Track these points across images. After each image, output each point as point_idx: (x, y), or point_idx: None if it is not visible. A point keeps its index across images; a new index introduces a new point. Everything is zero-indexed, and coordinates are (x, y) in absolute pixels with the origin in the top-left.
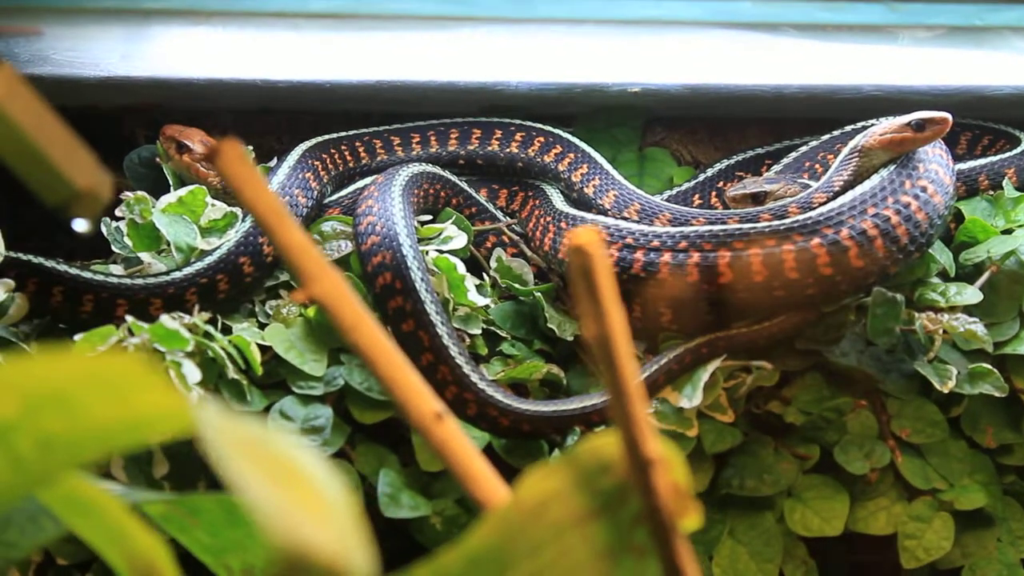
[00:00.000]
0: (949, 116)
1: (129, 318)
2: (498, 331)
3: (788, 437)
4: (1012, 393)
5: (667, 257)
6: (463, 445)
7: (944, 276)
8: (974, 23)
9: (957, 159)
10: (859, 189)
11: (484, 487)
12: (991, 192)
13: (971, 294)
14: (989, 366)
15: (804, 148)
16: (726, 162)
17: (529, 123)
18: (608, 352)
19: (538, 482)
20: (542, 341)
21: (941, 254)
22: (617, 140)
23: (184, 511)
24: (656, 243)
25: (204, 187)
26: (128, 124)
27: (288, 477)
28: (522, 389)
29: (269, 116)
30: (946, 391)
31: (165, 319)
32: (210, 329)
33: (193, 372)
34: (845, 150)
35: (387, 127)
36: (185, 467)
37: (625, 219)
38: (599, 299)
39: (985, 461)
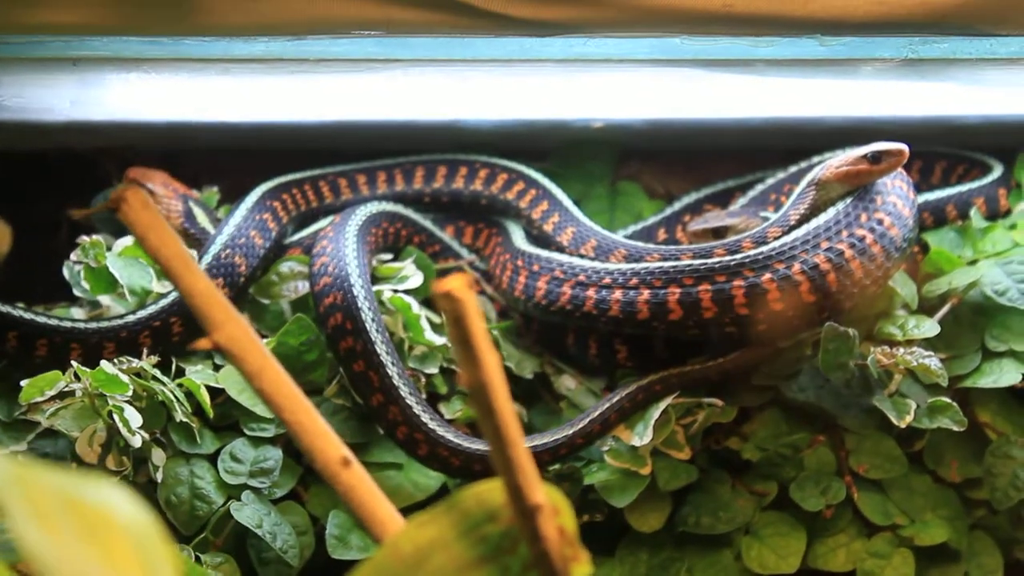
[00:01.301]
0: (905, 148)
1: (74, 363)
2: (459, 369)
3: (745, 474)
4: (974, 426)
5: (618, 294)
6: (369, 490)
7: (908, 309)
8: (909, 56)
9: (931, 188)
10: (813, 223)
11: (391, 533)
12: (960, 222)
13: (929, 327)
14: (948, 400)
15: (771, 180)
16: (695, 195)
17: (494, 160)
18: (485, 398)
19: (417, 529)
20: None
21: (904, 286)
22: (590, 174)
23: None
24: (607, 280)
25: None
26: (103, 166)
27: (95, 533)
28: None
29: (244, 156)
30: (903, 426)
31: (105, 364)
32: (157, 373)
33: (135, 416)
34: (802, 183)
35: (353, 165)
36: None
37: (581, 256)
38: (472, 345)
39: (950, 495)
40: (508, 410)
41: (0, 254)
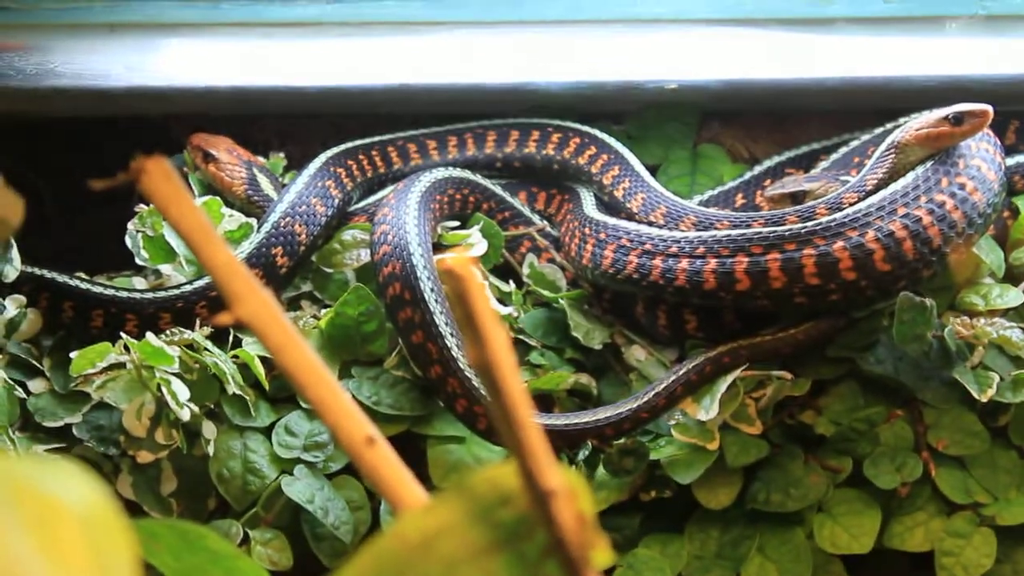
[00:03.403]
0: (989, 108)
1: (123, 336)
2: (527, 340)
3: (819, 449)
4: None
5: (685, 264)
6: (395, 470)
7: (994, 277)
8: (979, 12)
9: (1007, 150)
10: (891, 188)
11: None
12: None
13: (1014, 296)
14: None
15: (854, 143)
16: (776, 159)
17: (567, 124)
18: (493, 378)
19: (424, 514)
20: (574, 350)
21: (990, 254)
22: (670, 138)
23: (144, 535)
24: (674, 249)
25: (219, 198)
26: (175, 132)
27: (45, 525)
28: (548, 400)
29: (315, 121)
30: (984, 399)
31: (150, 336)
32: (209, 345)
33: (182, 389)
34: (881, 147)
35: (423, 131)
36: (195, 484)
37: (651, 223)
38: (478, 323)
39: None
40: (518, 390)
41: (11, 226)
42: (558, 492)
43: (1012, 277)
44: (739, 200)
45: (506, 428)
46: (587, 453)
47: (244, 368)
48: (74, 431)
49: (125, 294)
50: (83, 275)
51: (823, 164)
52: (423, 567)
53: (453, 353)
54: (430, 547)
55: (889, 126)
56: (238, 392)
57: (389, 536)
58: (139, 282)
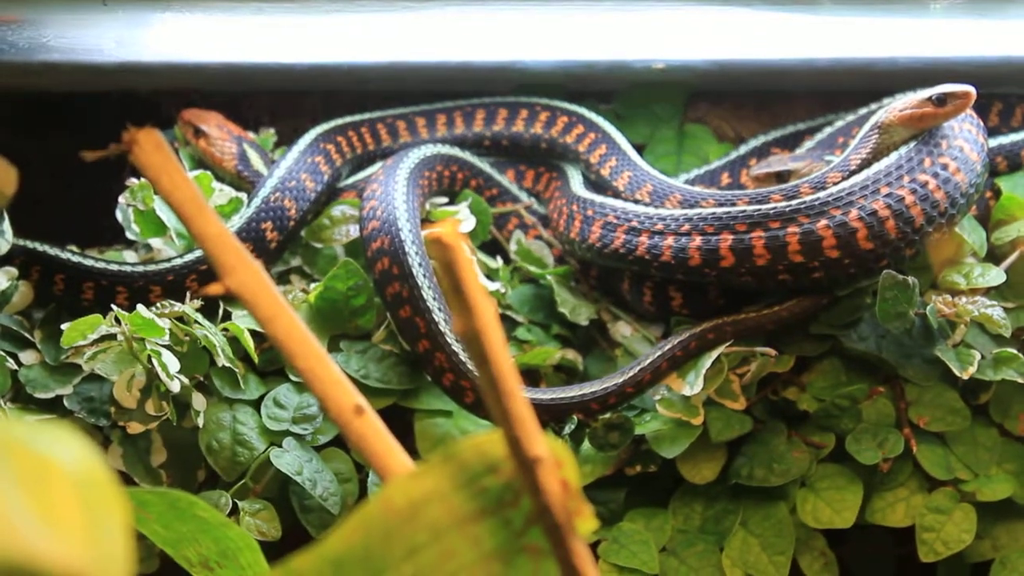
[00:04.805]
0: (972, 90)
1: (114, 307)
2: (515, 316)
3: (803, 425)
4: None
5: (670, 240)
6: (382, 441)
7: (976, 256)
8: None
9: (990, 131)
10: (874, 168)
11: None
12: None
13: (994, 275)
14: (1014, 351)
15: (839, 123)
16: (762, 138)
17: (555, 103)
18: (480, 348)
19: (411, 481)
20: (560, 326)
21: (972, 233)
22: (657, 117)
23: (135, 503)
24: (660, 226)
25: (210, 173)
26: (166, 107)
27: (38, 482)
28: (535, 376)
29: (305, 98)
30: (965, 377)
31: (141, 308)
32: (199, 318)
33: (172, 361)
34: (865, 127)
35: (412, 108)
36: (184, 455)
37: (637, 201)
38: (465, 293)
39: (1017, 449)
40: (504, 359)
41: (5, 196)
42: (543, 460)
43: (994, 256)
44: (725, 179)
45: (492, 396)
46: (573, 428)
47: (234, 341)
48: (65, 402)
49: (116, 267)
50: (74, 248)
51: (808, 144)
52: (409, 533)
53: (441, 327)
54: (417, 513)
55: (873, 106)
56: (228, 364)
57: (376, 502)
58: (130, 255)
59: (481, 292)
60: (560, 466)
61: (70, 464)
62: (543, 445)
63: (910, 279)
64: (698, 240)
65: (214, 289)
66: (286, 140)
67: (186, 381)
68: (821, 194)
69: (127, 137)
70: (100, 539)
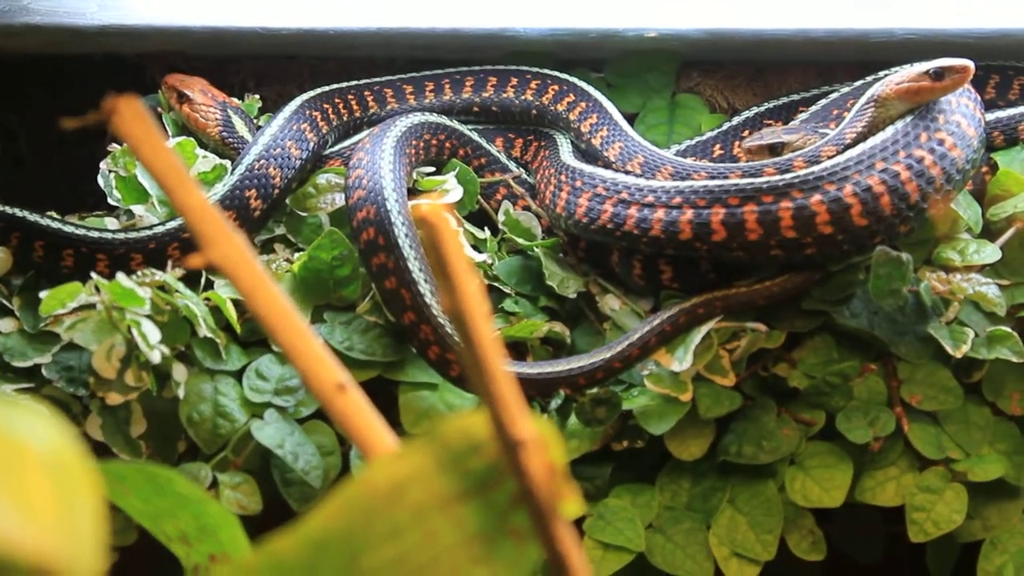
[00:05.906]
0: (970, 64)
1: (94, 275)
2: (502, 287)
3: (793, 402)
4: None
5: (660, 213)
6: (365, 417)
7: (972, 232)
8: None
9: (987, 105)
10: (869, 142)
11: None
12: None
13: (990, 252)
14: (1008, 329)
15: (834, 96)
16: (755, 110)
17: (546, 71)
18: (465, 327)
19: (393, 462)
20: (548, 298)
21: (968, 209)
22: (648, 86)
23: (112, 477)
24: (650, 198)
25: (194, 139)
26: (150, 72)
27: (9, 464)
28: (522, 348)
29: (292, 63)
30: (958, 355)
31: (121, 277)
32: (181, 287)
33: (152, 331)
34: (861, 100)
35: (400, 75)
36: (164, 427)
37: (627, 172)
38: (451, 271)
39: (1010, 429)
40: (489, 339)
41: None
42: (528, 442)
43: (989, 233)
44: (717, 151)
45: (477, 376)
46: (560, 402)
47: (216, 311)
48: (43, 371)
49: (96, 234)
50: (55, 214)
51: (802, 116)
52: (392, 514)
53: (426, 300)
54: (399, 494)
55: (869, 79)
56: (209, 335)
57: (358, 482)
58: (111, 222)
59: (467, 269)
60: (545, 448)
61: (42, 447)
62: (528, 427)
63: (904, 255)
64: (689, 213)
65: (195, 261)
66: (272, 106)
67: (167, 351)
68: (815, 168)
69: (107, 105)
70: (72, 525)
